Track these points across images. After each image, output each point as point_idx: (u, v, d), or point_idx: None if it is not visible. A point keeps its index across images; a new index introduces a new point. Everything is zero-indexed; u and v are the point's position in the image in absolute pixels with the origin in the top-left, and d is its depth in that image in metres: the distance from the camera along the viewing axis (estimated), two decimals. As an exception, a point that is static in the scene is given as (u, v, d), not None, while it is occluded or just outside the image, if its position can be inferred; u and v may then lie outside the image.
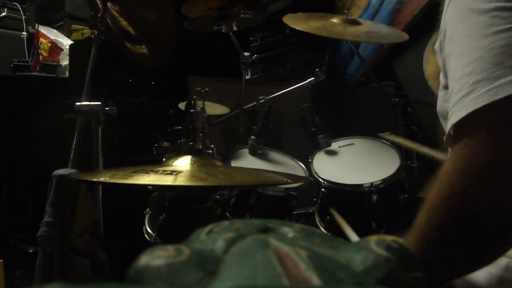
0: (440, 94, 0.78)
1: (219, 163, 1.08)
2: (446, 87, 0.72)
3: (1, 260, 1.53)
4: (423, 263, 0.61)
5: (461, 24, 0.63)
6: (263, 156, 1.58)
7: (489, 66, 0.57)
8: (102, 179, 0.99)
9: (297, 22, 1.60)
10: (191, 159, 1.01)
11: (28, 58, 2.77)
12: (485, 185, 0.54)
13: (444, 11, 0.69)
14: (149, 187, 1.18)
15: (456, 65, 0.62)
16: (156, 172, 0.87)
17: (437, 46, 0.73)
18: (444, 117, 0.76)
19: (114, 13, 2.04)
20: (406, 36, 1.65)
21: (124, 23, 2.09)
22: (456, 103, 0.59)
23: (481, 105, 0.55)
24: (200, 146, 1.09)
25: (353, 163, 1.53)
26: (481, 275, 0.73)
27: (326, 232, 1.37)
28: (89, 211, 1.33)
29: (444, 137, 0.63)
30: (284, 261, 0.28)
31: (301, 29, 1.50)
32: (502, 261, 0.71)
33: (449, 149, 0.62)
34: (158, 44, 2.26)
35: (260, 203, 1.40)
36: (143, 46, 2.17)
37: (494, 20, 0.59)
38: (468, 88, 0.58)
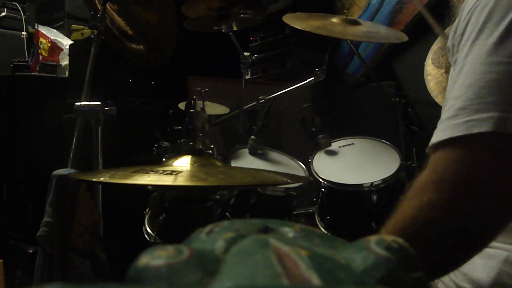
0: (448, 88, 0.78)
1: (219, 163, 1.08)
2: None
3: (1, 260, 1.53)
4: None
5: (471, 40, 0.63)
6: (263, 156, 1.58)
7: (474, 96, 0.59)
8: (102, 179, 0.99)
9: (297, 21, 1.60)
10: (191, 159, 1.01)
11: (28, 58, 2.77)
12: (453, 201, 0.58)
13: (464, 10, 0.68)
14: (149, 187, 1.18)
15: (455, 81, 0.64)
16: (156, 172, 0.87)
17: (449, 44, 0.72)
18: None
19: (113, 12, 2.04)
20: (405, 37, 1.65)
21: (122, 22, 2.09)
22: (441, 121, 0.63)
23: (457, 134, 0.59)
24: (200, 146, 1.09)
25: (353, 163, 1.53)
26: (480, 268, 0.74)
27: (326, 232, 1.37)
28: (89, 211, 1.33)
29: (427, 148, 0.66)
30: (284, 261, 0.28)
31: (301, 28, 1.50)
32: (501, 254, 0.72)
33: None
34: (158, 45, 2.26)
35: (260, 203, 1.40)
36: (141, 46, 2.17)
37: (498, 48, 0.60)
38: (453, 112, 0.61)
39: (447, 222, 0.58)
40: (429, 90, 1.85)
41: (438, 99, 1.78)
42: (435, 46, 1.87)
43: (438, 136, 0.62)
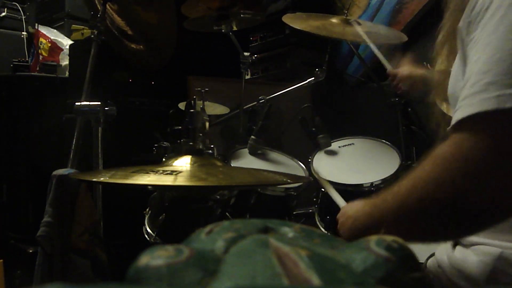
0: (454, 72, 0.77)
1: (219, 163, 1.08)
2: (462, 65, 0.71)
3: (1, 260, 1.53)
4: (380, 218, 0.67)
5: (499, 15, 0.61)
6: (263, 156, 1.58)
7: (505, 71, 0.57)
8: (102, 179, 0.99)
9: (296, 21, 1.60)
10: (191, 159, 1.01)
11: (28, 58, 2.77)
12: (474, 182, 0.56)
13: None
14: (149, 187, 1.18)
15: (478, 57, 0.61)
16: (156, 172, 0.87)
17: (461, 24, 0.70)
18: (455, 99, 0.76)
19: (113, 12, 2.04)
20: (404, 37, 1.65)
21: (122, 23, 2.09)
22: (466, 97, 0.60)
23: (488, 108, 0.56)
24: (200, 146, 1.09)
25: (353, 163, 1.53)
26: (475, 265, 0.75)
27: (326, 232, 1.37)
28: (89, 211, 1.33)
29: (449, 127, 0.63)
30: (284, 261, 0.28)
31: (301, 29, 1.50)
32: (496, 251, 0.73)
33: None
34: (158, 45, 2.26)
35: (260, 203, 1.40)
36: (141, 46, 2.17)
37: None
38: (481, 87, 0.58)
39: (468, 199, 0.56)
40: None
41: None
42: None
43: (464, 111, 0.58)
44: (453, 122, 0.61)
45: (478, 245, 0.75)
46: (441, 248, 0.84)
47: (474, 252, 0.76)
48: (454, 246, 0.81)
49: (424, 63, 1.89)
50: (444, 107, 1.28)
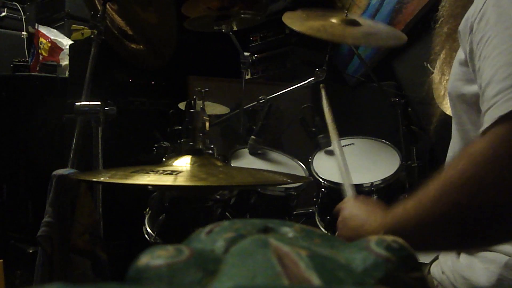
0: (454, 71, 0.74)
1: (219, 163, 1.08)
2: (463, 64, 0.70)
3: (1, 260, 1.53)
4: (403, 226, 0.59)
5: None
6: (263, 156, 1.58)
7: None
8: (102, 179, 0.99)
9: (296, 22, 1.59)
10: (191, 159, 1.01)
11: (28, 58, 2.77)
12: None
13: None
14: (149, 187, 1.18)
15: (500, 50, 0.57)
16: (156, 172, 0.87)
17: (462, 27, 0.68)
18: (457, 98, 0.74)
19: (113, 12, 2.04)
20: (404, 37, 1.65)
21: (122, 23, 2.09)
22: (500, 92, 0.55)
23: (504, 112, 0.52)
24: (200, 146, 1.09)
25: (353, 163, 1.53)
26: (480, 273, 0.73)
27: (326, 232, 1.37)
28: (89, 211, 1.33)
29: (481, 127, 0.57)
30: (284, 261, 0.28)
31: (301, 31, 1.49)
32: (502, 259, 0.71)
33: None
34: (158, 45, 2.26)
35: (260, 203, 1.40)
36: (141, 46, 2.17)
37: None
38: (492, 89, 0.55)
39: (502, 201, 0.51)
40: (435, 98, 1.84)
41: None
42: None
43: (503, 107, 0.53)
44: (490, 119, 0.55)
45: (484, 252, 0.74)
46: (445, 253, 0.82)
47: (480, 259, 0.74)
48: (459, 252, 0.79)
49: (425, 63, 1.89)
50: (443, 106, 1.28)
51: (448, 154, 0.84)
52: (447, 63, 0.86)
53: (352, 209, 0.77)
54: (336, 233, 0.77)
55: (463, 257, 0.78)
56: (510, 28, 0.58)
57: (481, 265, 0.73)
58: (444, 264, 0.81)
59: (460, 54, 0.73)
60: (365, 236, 0.68)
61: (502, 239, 0.61)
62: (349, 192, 0.99)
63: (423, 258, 0.88)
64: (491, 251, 0.73)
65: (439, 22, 0.86)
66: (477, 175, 0.52)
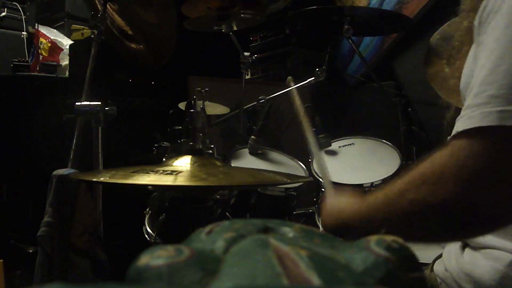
0: (465, 71, 0.74)
1: (219, 163, 1.08)
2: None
3: (1, 260, 1.53)
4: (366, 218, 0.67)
5: (507, 21, 0.59)
6: (263, 156, 1.58)
7: (510, 85, 0.56)
8: (102, 179, 0.99)
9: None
10: (191, 159, 1.01)
11: (28, 58, 2.77)
12: (466, 190, 0.57)
13: None
14: (149, 187, 1.18)
15: (483, 64, 0.60)
16: (156, 172, 0.87)
17: (476, 22, 0.67)
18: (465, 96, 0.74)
19: (113, 12, 2.04)
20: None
21: (122, 23, 2.09)
22: (468, 107, 0.59)
23: (489, 124, 0.56)
24: (200, 146, 1.09)
25: (353, 163, 1.53)
26: (484, 270, 0.73)
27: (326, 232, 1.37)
28: (89, 211, 1.33)
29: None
30: (284, 261, 0.28)
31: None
32: (508, 257, 0.70)
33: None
34: (158, 45, 2.26)
35: (260, 203, 1.40)
36: (141, 46, 2.17)
37: None
38: (484, 98, 0.57)
39: (459, 205, 0.57)
40: (426, 74, 1.83)
41: (432, 84, 1.77)
42: (437, 36, 1.86)
43: (465, 123, 0.58)
44: (454, 131, 0.60)
45: (490, 249, 0.73)
46: (449, 250, 0.82)
47: (485, 256, 0.74)
48: (463, 248, 0.78)
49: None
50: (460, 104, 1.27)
51: None
52: (464, 59, 0.83)
53: (331, 199, 0.82)
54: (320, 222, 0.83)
55: (467, 254, 0.77)
56: (497, 43, 0.59)
57: (486, 262, 0.73)
58: (448, 262, 0.81)
59: (472, 52, 0.71)
60: (344, 222, 0.72)
61: (452, 236, 0.69)
62: (327, 186, 1.01)
63: (424, 258, 0.88)
64: (496, 248, 0.72)
65: (460, 16, 0.84)
66: (433, 178, 0.59)
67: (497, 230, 0.64)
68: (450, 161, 0.58)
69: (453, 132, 0.60)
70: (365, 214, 0.69)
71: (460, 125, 0.59)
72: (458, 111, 0.74)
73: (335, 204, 0.79)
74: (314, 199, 1.50)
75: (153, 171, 0.87)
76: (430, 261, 0.88)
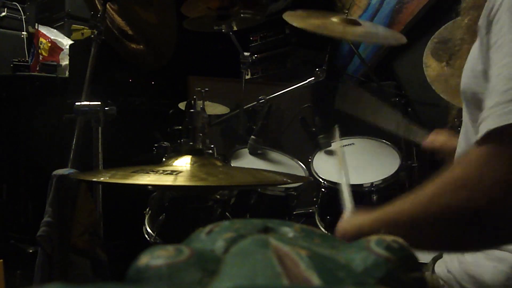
0: (466, 71, 0.72)
1: (219, 163, 1.08)
2: (478, 61, 0.67)
3: (1, 260, 1.53)
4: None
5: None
6: (263, 156, 1.58)
7: (503, 85, 0.55)
8: (102, 179, 0.99)
9: (297, 20, 1.59)
10: (191, 159, 1.01)
11: (28, 58, 2.77)
12: (505, 192, 0.53)
13: None
14: (149, 187, 1.18)
15: (508, 62, 0.57)
16: (156, 172, 0.87)
17: (481, 22, 0.66)
18: (471, 97, 0.72)
19: (112, 12, 2.04)
20: (404, 39, 1.65)
21: (122, 23, 2.09)
22: (497, 104, 0.55)
23: (491, 127, 0.53)
24: (200, 146, 1.09)
25: (353, 163, 1.53)
26: (488, 271, 0.72)
27: (326, 232, 1.37)
28: (89, 211, 1.33)
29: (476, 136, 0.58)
30: (284, 261, 0.28)
31: (301, 27, 1.49)
32: (510, 257, 0.70)
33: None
34: (157, 45, 2.26)
35: (260, 203, 1.40)
36: (141, 46, 2.17)
37: None
38: (487, 102, 0.56)
39: (499, 208, 0.53)
40: (427, 77, 1.83)
41: (434, 86, 1.77)
42: (435, 39, 1.86)
43: (498, 120, 0.54)
44: (483, 130, 0.56)
45: (492, 250, 0.73)
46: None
47: (488, 257, 0.73)
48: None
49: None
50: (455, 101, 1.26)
51: (456, 151, 0.83)
52: (465, 58, 0.82)
53: (349, 218, 0.78)
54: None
55: (470, 255, 0.77)
56: None
57: (489, 263, 0.73)
58: (450, 263, 0.80)
59: (476, 50, 0.69)
60: (362, 232, 0.67)
61: (489, 244, 0.63)
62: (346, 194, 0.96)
63: (424, 258, 0.88)
64: (500, 249, 0.72)
65: (461, 14, 0.83)
66: (468, 183, 0.55)
67: None
68: (487, 163, 0.54)
69: (483, 131, 0.56)
70: (384, 220, 0.65)
71: (491, 123, 0.55)
72: (461, 111, 0.73)
73: (355, 219, 0.74)
74: (314, 199, 1.50)
75: (153, 171, 0.87)
76: (429, 261, 0.87)
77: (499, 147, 0.54)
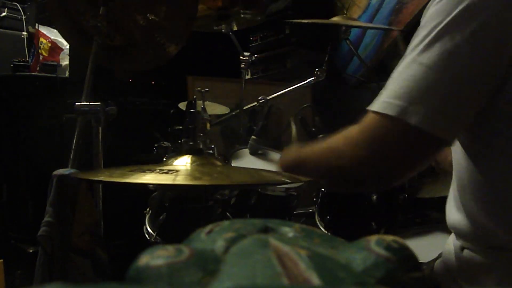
0: None
1: (219, 163, 1.08)
2: None
3: (1, 260, 1.53)
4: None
5: (420, 33, 0.75)
6: (263, 156, 1.58)
7: (392, 83, 0.73)
8: (102, 178, 0.99)
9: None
10: (191, 159, 1.01)
11: (28, 58, 2.77)
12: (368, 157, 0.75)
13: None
14: (150, 186, 1.18)
15: (397, 71, 0.78)
16: (156, 171, 0.87)
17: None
18: None
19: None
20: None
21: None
22: (381, 93, 0.75)
23: (372, 109, 0.73)
24: (201, 146, 1.09)
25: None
26: (485, 270, 0.73)
27: (326, 232, 1.37)
28: (90, 211, 1.33)
29: None
30: (284, 261, 0.28)
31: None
32: (508, 256, 0.70)
33: None
34: (157, 44, 2.25)
35: (260, 203, 1.40)
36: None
37: (424, 52, 0.72)
38: (388, 92, 0.73)
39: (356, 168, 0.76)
40: None
41: None
42: None
43: (372, 105, 0.74)
44: (372, 107, 0.75)
45: (490, 249, 0.73)
46: (449, 250, 0.82)
47: (485, 256, 0.74)
48: (462, 249, 0.78)
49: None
50: None
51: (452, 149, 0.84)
52: None
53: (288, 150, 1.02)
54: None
55: (467, 253, 0.77)
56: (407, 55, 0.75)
57: (486, 260, 0.73)
58: (448, 261, 0.81)
59: None
60: (289, 161, 0.95)
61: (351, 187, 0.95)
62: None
63: (424, 258, 0.88)
64: (497, 248, 0.72)
65: None
66: (348, 144, 0.78)
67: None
68: (359, 137, 0.76)
69: (371, 108, 0.74)
70: (301, 157, 0.91)
71: (372, 105, 0.74)
72: None
73: (291, 151, 0.99)
74: (314, 199, 1.50)
75: (152, 170, 0.87)
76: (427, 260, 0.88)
77: (369, 120, 0.74)
